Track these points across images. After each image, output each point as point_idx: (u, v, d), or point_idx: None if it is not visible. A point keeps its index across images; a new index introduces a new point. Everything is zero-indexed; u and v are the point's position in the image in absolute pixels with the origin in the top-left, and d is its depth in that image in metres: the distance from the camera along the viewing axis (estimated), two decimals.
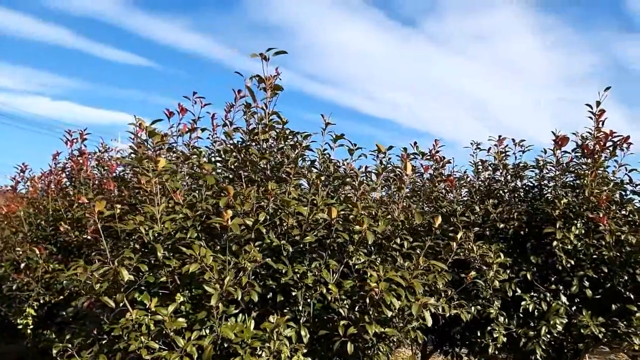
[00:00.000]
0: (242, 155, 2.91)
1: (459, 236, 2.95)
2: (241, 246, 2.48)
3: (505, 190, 4.26)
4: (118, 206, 2.56)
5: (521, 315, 3.91)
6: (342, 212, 2.63)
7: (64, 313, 4.64)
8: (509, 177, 4.33)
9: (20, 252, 4.78)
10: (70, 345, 2.56)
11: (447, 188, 4.22)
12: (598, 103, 3.99)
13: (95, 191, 5.01)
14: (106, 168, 5.42)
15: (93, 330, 2.75)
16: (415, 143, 4.99)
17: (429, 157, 4.61)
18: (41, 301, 4.69)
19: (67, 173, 5.68)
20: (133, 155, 2.63)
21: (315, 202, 2.72)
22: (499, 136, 4.68)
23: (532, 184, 4.29)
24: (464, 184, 4.79)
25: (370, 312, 2.42)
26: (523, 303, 3.78)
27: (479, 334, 3.97)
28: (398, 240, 2.96)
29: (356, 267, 2.84)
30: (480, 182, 4.62)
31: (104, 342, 2.57)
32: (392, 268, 2.82)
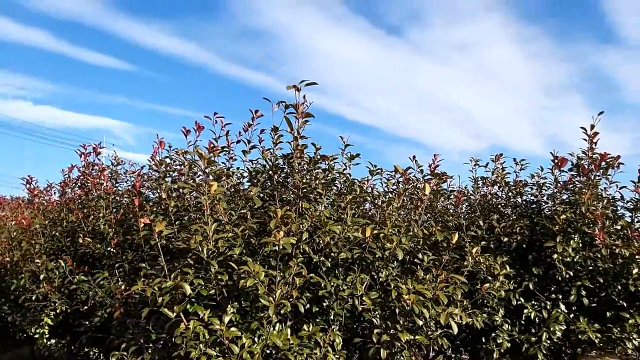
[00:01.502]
0: (277, 177, 3.17)
1: (474, 250, 3.26)
2: (285, 262, 2.74)
3: (507, 206, 4.58)
4: (164, 222, 2.80)
5: (523, 322, 4.22)
6: (375, 231, 2.90)
7: (87, 322, 4.83)
8: (510, 193, 4.66)
9: (40, 264, 4.93)
10: (126, 354, 2.77)
11: (454, 203, 4.52)
12: (592, 126, 4.35)
13: (113, 205, 5.20)
14: (119, 182, 5.61)
15: (140, 339, 2.97)
16: (414, 157, 5.32)
17: (429, 173, 4.91)
18: (58, 311, 4.85)
19: (81, 185, 5.85)
20: (180, 177, 2.86)
21: (344, 220, 3.00)
22: (497, 154, 5.02)
23: (531, 200, 4.63)
24: (465, 199, 5.11)
25: (401, 322, 2.70)
26: (525, 311, 4.09)
27: (483, 340, 4.29)
28: (420, 255, 3.25)
29: (380, 280, 3.13)
30: (479, 197, 4.95)
31: (151, 349, 2.79)
32: (415, 281, 3.12)
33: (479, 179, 5.09)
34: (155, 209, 4.26)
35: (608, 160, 4.31)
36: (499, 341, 4.11)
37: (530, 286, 4.08)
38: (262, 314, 2.47)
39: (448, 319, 2.66)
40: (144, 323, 2.94)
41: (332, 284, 2.81)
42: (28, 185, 6.41)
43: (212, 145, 3.99)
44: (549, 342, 4.06)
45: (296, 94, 3.24)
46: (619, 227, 4.20)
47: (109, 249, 4.69)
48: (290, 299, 2.53)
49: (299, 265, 2.64)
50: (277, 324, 2.86)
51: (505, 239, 4.23)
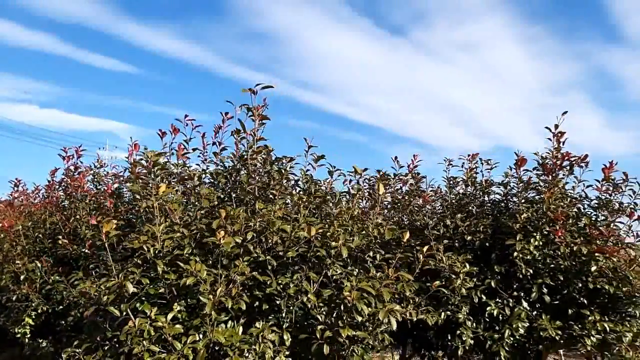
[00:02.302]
0: (233, 178, 3.25)
1: (425, 249, 3.32)
2: (231, 261, 2.82)
3: (474, 205, 4.64)
4: (114, 221, 2.88)
5: (487, 320, 4.27)
6: (321, 230, 2.98)
7: (63, 322, 4.94)
8: (477, 192, 4.72)
9: (20, 265, 5.03)
10: (78, 351, 2.86)
11: (422, 203, 4.58)
12: (556, 126, 4.41)
13: (92, 206, 5.31)
14: (101, 184, 5.72)
15: (96, 337, 3.06)
16: (395, 158, 5.40)
17: (403, 176, 4.98)
18: (39, 311, 4.96)
19: (64, 188, 5.95)
20: (136, 180, 2.95)
21: (297, 220, 3.08)
22: (473, 154, 5.08)
23: (498, 200, 4.69)
24: (438, 198, 5.18)
25: (344, 318, 2.77)
26: (488, 308, 4.15)
27: (449, 337, 4.35)
28: (371, 253, 3.32)
29: (334, 277, 3.20)
30: (452, 197, 5.01)
31: (107, 347, 2.88)
32: (366, 278, 3.19)
33: (451, 179, 5.15)
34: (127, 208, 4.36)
35: (572, 160, 4.36)
36: (463, 338, 4.17)
37: (493, 284, 4.13)
38: (205, 311, 2.55)
39: (387, 316, 2.73)
40: (102, 321, 3.03)
41: (280, 282, 2.89)
42: (16, 188, 6.55)
43: (182, 148, 4.09)
44: (512, 339, 4.11)
45: (252, 97, 3.33)
46: (582, 225, 4.25)
47: (84, 250, 4.79)
48: (234, 297, 2.61)
49: (244, 264, 2.72)
50: (230, 321, 2.94)
51: (469, 238, 4.29)
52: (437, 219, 4.57)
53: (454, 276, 4.01)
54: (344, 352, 2.91)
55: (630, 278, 3.92)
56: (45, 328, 5.53)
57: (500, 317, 4.15)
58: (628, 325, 3.98)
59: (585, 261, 3.94)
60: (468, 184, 4.74)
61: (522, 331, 4.09)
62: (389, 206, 5.47)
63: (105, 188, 5.69)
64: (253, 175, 3.18)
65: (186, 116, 4.33)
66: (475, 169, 4.96)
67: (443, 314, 4.13)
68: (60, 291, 4.58)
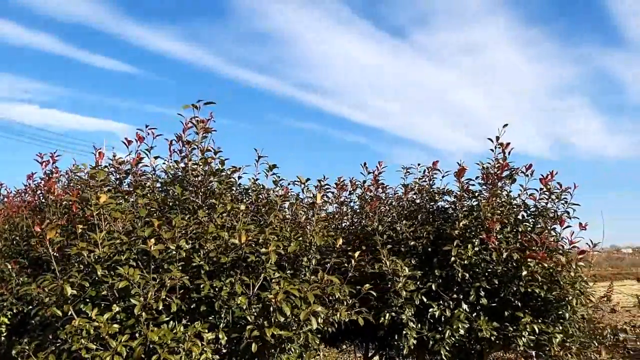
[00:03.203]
0: (180, 187, 3.50)
1: (356, 255, 3.57)
2: (170, 265, 3.07)
3: (421, 212, 4.88)
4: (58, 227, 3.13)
5: (431, 321, 4.51)
6: (254, 237, 3.22)
7: (32, 321, 5.19)
8: (425, 199, 4.97)
9: None
10: (27, 347, 3.11)
11: (369, 209, 4.82)
12: (497, 138, 4.65)
13: (62, 211, 5.55)
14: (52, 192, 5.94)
15: (49, 335, 3.31)
16: (364, 164, 5.65)
17: (360, 183, 5.23)
18: (14, 310, 5.20)
19: (40, 192, 6.19)
20: (74, 190, 3.19)
21: (235, 227, 3.33)
22: (434, 161, 5.32)
23: (444, 207, 4.93)
24: (393, 205, 5.42)
25: (271, 319, 3.02)
26: (431, 310, 4.39)
27: (396, 337, 4.59)
28: (305, 259, 3.56)
29: (273, 281, 3.44)
30: (405, 204, 5.25)
31: (55, 345, 3.12)
32: (300, 282, 3.43)
33: (407, 186, 5.40)
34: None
35: (512, 170, 4.61)
36: (408, 338, 4.41)
37: (434, 287, 4.37)
38: (139, 312, 2.80)
39: (308, 316, 2.97)
40: (55, 321, 3.28)
41: (214, 285, 3.13)
42: None
43: (140, 157, 4.33)
44: (452, 339, 4.35)
45: (195, 112, 3.58)
46: (520, 232, 4.49)
47: (53, 252, 5.03)
48: (165, 300, 2.86)
49: (177, 269, 2.97)
50: (172, 322, 3.19)
51: (412, 243, 4.53)
52: (387, 225, 4.82)
53: (396, 279, 4.25)
54: (273, 350, 3.15)
55: (561, 282, 4.16)
56: (22, 327, 5.78)
57: (442, 319, 4.39)
58: (559, 327, 4.23)
59: (518, 266, 4.18)
60: (416, 192, 4.98)
61: (462, 332, 4.33)
62: (349, 212, 5.74)
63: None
64: (189, 187, 3.42)
65: (147, 126, 4.58)
66: (430, 176, 5.22)
67: (388, 315, 4.38)
68: (29, 292, 4.82)
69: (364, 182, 5.55)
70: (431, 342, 4.40)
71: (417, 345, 4.53)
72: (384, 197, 5.52)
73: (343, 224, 5.69)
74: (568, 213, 4.41)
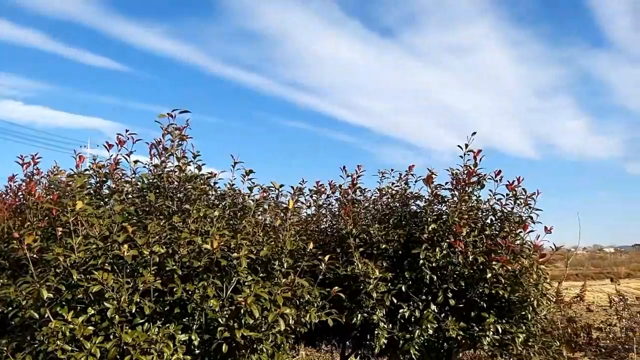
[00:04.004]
0: (151, 194, 3.62)
1: (326, 258, 3.72)
2: (144, 270, 3.19)
3: (394, 216, 5.06)
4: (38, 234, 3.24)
5: (402, 321, 4.69)
6: (228, 242, 3.36)
7: (12, 322, 5.26)
8: (398, 204, 5.14)
9: None
10: (5, 348, 3.22)
11: (343, 213, 4.97)
12: (466, 145, 4.83)
13: (43, 213, 5.63)
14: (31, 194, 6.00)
15: (27, 337, 3.41)
16: (344, 167, 5.80)
17: (332, 187, 5.39)
18: None
19: (22, 194, 6.25)
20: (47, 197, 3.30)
21: (208, 232, 3.46)
22: (410, 166, 5.50)
23: (416, 211, 5.10)
24: (370, 209, 5.59)
25: (241, 320, 3.16)
26: (401, 311, 4.56)
27: (369, 337, 4.76)
28: (277, 263, 3.71)
29: (246, 284, 3.58)
30: (380, 207, 5.42)
31: (33, 346, 3.23)
32: (272, 285, 3.58)
33: (382, 190, 5.57)
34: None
35: (480, 176, 4.79)
36: (379, 337, 4.58)
37: (404, 288, 4.54)
38: (112, 315, 2.93)
39: (277, 318, 3.12)
40: (32, 322, 3.39)
41: (187, 289, 3.26)
42: None
43: (118, 161, 4.44)
44: (421, 338, 4.52)
45: (169, 120, 3.71)
46: (486, 236, 4.68)
47: (31, 256, 5.11)
48: (138, 303, 2.99)
49: (150, 273, 3.10)
50: (147, 324, 3.31)
51: (384, 246, 4.70)
52: (361, 228, 4.98)
53: (368, 281, 4.42)
54: (244, 351, 3.29)
55: (524, 285, 4.35)
56: (2, 328, 5.85)
57: (412, 319, 4.57)
58: (523, 327, 4.43)
59: (483, 269, 4.37)
60: (389, 196, 5.15)
61: (431, 332, 4.50)
62: (328, 215, 5.90)
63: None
64: (165, 193, 3.55)
65: (127, 131, 4.69)
66: (406, 181, 5.40)
67: (360, 315, 4.55)
68: (7, 294, 4.90)
69: (340, 185, 5.70)
70: (401, 342, 4.58)
71: (388, 345, 4.70)
72: (362, 200, 5.69)
73: (321, 227, 5.84)
74: (531, 218, 4.61)
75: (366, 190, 5.78)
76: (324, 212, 5.97)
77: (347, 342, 6.25)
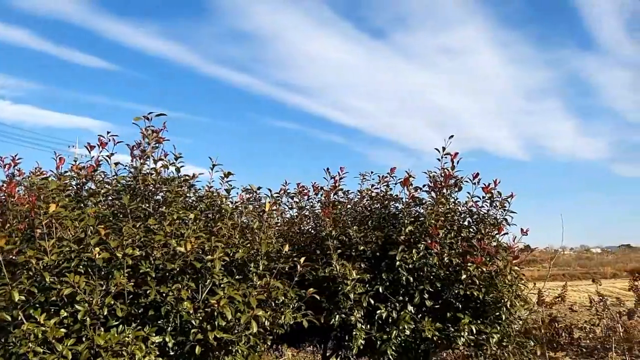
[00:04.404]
0: (129, 197, 3.64)
1: (302, 260, 3.76)
2: (117, 272, 3.21)
3: (372, 218, 5.11)
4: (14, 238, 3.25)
5: (380, 322, 4.74)
6: (202, 244, 3.38)
7: None
8: (376, 206, 5.20)
9: None
10: None
11: (322, 215, 5.01)
12: (444, 148, 4.90)
13: (24, 214, 5.61)
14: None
15: (1, 339, 3.42)
16: (327, 169, 5.85)
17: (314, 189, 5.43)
18: None
19: (2, 195, 6.21)
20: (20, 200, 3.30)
21: (183, 235, 3.49)
22: (391, 168, 5.55)
23: (395, 213, 5.16)
24: (350, 210, 5.64)
25: (215, 322, 3.19)
26: (379, 312, 4.61)
27: (347, 338, 4.80)
28: (252, 265, 3.74)
29: (222, 286, 3.61)
30: (360, 209, 5.48)
31: (6, 348, 3.23)
32: (248, 287, 3.61)
33: (363, 192, 5.63)
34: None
35: (457, 179, 4.86)
36: (356, 338, 4.62)
37: (381, 290, 4.60)
38: (83, 317, 2.94)
39: (249, 320, 3.15)
40: (6, 325, 3.39)
41: (161, 291, 3.29)
42: None
43: (98, 163, 4.45)
44: (398, 339, 4.57)
45: (145, 123, 3.73)
46: (463, 237, 4.75)
47: (12, 257, 5.10)
48: (111, 306, 3.01)
49: (123, 276, 3.12)
50: (121, 326, 3.33)
51: (362, 248, 4.75)
52: (341, 230, 5.02)
53: (345, 282, 4.46)
54: (217, 353, 3.32)
55: (498, 286, 4.43)
56: None
57: (390, 320, 4.62)
58: (497, 328, 4.50)
59: (458, 270, 4.43)
60: (368, 198, 5.20)
61: (408, 332, 4.56)
62: (311, 216, 5.94)
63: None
64: (141, 195, 3.57)
65: (108, 132, 4.69)
66: (387, 183, 5.46)
67: (338, 316, 4.59)
68: None
69: (321, 187, 5.76)
70: (379, 343, 4.63)
71: (367, 345, 4.75)
72: (345, 202, 5.74)
73: (303, 229, 5.88)
74: (506, 220, 4.68)
75: (349, 192, 5.85)
76: (307, 214, 6.01)
77: (329, 343, 6.30)
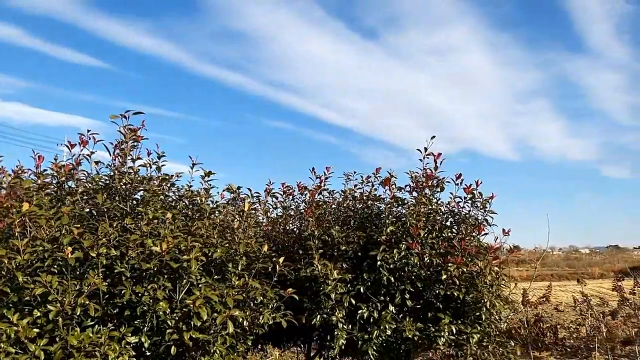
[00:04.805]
0: (105, 196, 3.60)
1: (281, 260, 3.75)
2: (91, 272, 3.18)
3: (355, 218, 5.11)
4: None
5: (361, 322, 4.74)
6: (178, 244, 3.36)
7: None
8: (359, 206, 5.20)
9: None
10: None
11: (305, 215, 5.01)
12: (426, 149, 4.91)
13: (4, 213, 5.55)
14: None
15: None
16: (313, 169, 5.85)
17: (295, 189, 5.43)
18: None
19: None
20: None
21: (159, 234, 3.46)
22: (376, 169, 5.56)
23: (378, 213, 5.16)
24: (334, 210, 5.64)
25: (190, 323, 3.17)
26: (360, 312, 4.61)
27: (329, 338, 4.80)
28: (231, 265, 3.72)
29: (200, 286, 3.59)
30: (344, 209, 5.47)
31: None
32: (226, 287, 3.60)
33: (347, 191, 5.63)
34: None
35: (438, 179, 4.87)
36: (338, 338, 4.62)
37: (362, 290, 4.60)
38: (55, 317, 2.91)
39: (225, 320, 3.14)
40: None
41: (136, 291, 3.26)
42: None
43: (78, 162, 4.40)
44: (380, 339, 4.58)
45: (123, 121, 3.70)
46: (444, 238, 4.76)
47: None
48: (84, 306, 2.98)
49: (97, 276, 3.09)
50: (96, 326, 3.30)
51: (344, 248, 4.75)
52: (323, 230, 5.01)
53: (327, 282, 4.45)
54: (194, 353, 3.30)
55: (479, 286, 4.44)
56: None
57: (371, 320, 4.62)
58: (478, 328, 4.51)
59: (439, 270, 4.44)
60: (350, 199, 5.20)
61: (389, 332, 4.56)
62: (297, 216, 5.93)
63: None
64: (118, 194, 3.54)
65: (89, 131, 4.65)
66: (372, 183, 5.47)
67: (319, 316, 4.58)
68: None
69: (305, 187, 5.75)
70: (360, 343, 4.63)
71: (349, 345, 4.75)
72: (330, 202, 5.73)
73: (287, 228, 5.87)
74: (487, 220, 4.70)
75: (334, 192, 5.85)
76: (292, 213, 6.00)
77: (313, 344, 6.29)
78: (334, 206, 5.66)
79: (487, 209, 4.72)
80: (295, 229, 5.76)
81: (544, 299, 9.57)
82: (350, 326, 4.70)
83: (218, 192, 4.72)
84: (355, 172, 5.43)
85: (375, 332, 4.53)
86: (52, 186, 4.72)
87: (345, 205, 5.45)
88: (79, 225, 3.40)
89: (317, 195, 5.72)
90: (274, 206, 6.24)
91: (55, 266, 3.18)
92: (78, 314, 2.94)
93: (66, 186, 4.35)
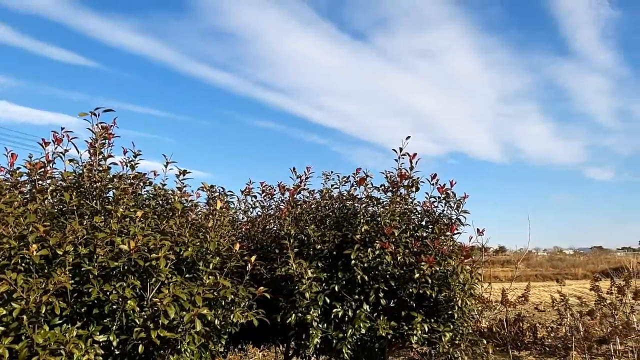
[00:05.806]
0: (72, 194, 3.59)
1: (252, 259, 3.76)
2: (58, 269, 3.16)
3: (331, 217, 5.13)
4: None
5: (336, 321, 4.76)
6: (147, 243, 3.35)
7: None
8: (336, 205, 5.22)
9: None
10: None
11: (280, 214, 5.03)
12: (401, 149, 4.95)
13: None
14: None
15: None
16: (294, 169, 5.88)
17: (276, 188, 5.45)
18: None
19: None
20: None
21: (129, 233, 3.45)
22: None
23: (353, 212, 5.19)
24: (312, 209, 5.66)
25: (159, 321, 3.16)
26: (334, 310, 4.63)
27: (304, 337, 4.81)
28: (201, 263, 3.73)
29: (170, 284, 3.59)
30: (322, 208, 5.50)
31: None
32: (197, 286, 3.60)
33: (319, 192, 5.67)
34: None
35: (413, 179, 4.92)
36: (312, 337, 4.64)
37: (337, 288, 4.62)
38: (18, 315, 2.89)
39: (192, 319, 3.14)
40: None
41: (104, 289, 3.25)
42: None
43: (48, 160, 4.37)
44: (354, 338, 4.60)
45: (92, 119, 3.68)
46: (418, 237, 4.81)
47: None
48: (50, 304, 2.96)
49: (64, 274, 3.07)
50: (65, 324, 3.28)
51: (319, 247, 4.77)
52: (299, 229, 5.03)
53: (302, 281, 4.47)
54: (162, 351, 3.30)
55: (451, 285, 4.49)
56: None
57: (346, 318, 4.65)
58: (450, 326, 4.56)
59: (412, 269, 4.48)
60: (326, 198, 5.23)
61: (363, 331, 4.59)
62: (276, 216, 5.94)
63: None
64: (88, 192, 3.52)
65: (62, 129, 4.62)
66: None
67: (294, 315, 4.60)
68: None
69: (285, 187, 5.78)
70: (334, 341, 4.65)
71: (324, 344, 4.77)
72: (309, 201, 5.76)
73: (267, 227, 5.88)
74: (460, 220, 4.75)
75: (314, 191, 5.88)
76: (272, 213, 6.02)
77: (291, 343, 6.31)
78: (312, 206, 5.69)
79: (460, 209, 4.77)
80: (275, 228, 5.78)
81: (523, 299, 9.67)
82: (325, 325, 4.73)
83: (193, 191, 4.73)
84: (332, 172, 5.46)
85: (350, 330, 4.56)
86: (27, 184, 4.68)
87: (322, 204, 5.48)
88: (48, 223, 3.39)
89: (296, 194, 5.74)
90: (253, 206, 6.26)
91: (23, 264, 3.16)
92: (44, 312, 2.92)
93: (37, 184, 4.32)
